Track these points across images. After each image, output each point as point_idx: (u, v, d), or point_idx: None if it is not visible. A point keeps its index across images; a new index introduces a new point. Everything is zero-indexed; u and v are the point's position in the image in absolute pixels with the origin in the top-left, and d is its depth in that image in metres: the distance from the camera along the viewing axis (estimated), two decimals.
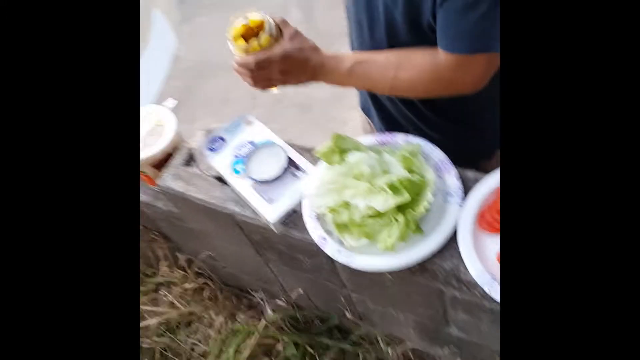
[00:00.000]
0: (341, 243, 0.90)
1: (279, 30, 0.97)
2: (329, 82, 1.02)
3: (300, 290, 1.34)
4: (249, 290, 1.59)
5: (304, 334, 1.44)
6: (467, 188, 0.91)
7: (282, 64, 0.95)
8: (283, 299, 1.45)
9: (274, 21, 0.97)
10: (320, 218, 0.95)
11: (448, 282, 0.87)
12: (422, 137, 1.00)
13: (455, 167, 0.93)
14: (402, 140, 0.99)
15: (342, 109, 2.72)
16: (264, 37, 0.94)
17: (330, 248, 0.90)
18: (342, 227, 0.91)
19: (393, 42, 0.99)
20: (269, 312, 1.46)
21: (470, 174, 0.94)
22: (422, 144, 0.96)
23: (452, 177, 0.92)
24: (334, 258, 0.89)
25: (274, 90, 1.04)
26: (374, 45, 1.04)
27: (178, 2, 4.06)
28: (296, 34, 0.97)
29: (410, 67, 0.94)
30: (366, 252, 0.89)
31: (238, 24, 0.97)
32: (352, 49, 1.16)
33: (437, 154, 0.95)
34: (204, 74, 3.27)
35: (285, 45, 0.95)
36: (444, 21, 0.86)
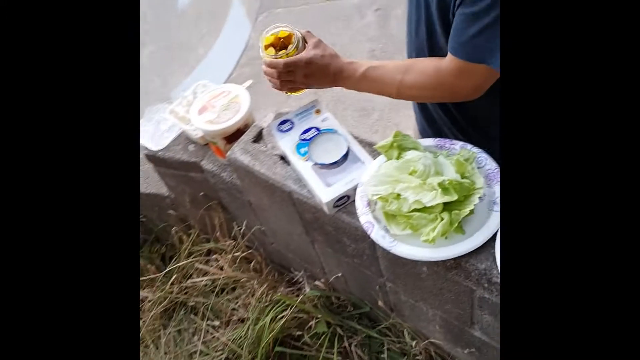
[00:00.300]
0: (386, 230, 0.99)
1: (305, 42, 1.10)
2: (346, 87, 1.11)
3: (339, 274, 1.43)
4: (291, 269, 1.69)
5: (336, 316, 1.53)
6: None
7: (306, 68, 1.06)
8: (322, 280, 1.54)
9: (301, 34, 1.10)
10: (370, 205, 1.03)
11: (479, 282, 0.94)
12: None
13: None
14: (460, 147, 1.06)
15: (400, 115, 2.79)
16: (291, 48, 1.08)
17: (376, 234, 0.99)
18: (390, 216, 0.99)
19: (431, 41, 1.06)
20: (307, 289, 1.56)
21: None
22: (478, 153, 1.03)
23: (499, 188, 0.98)
24: (378, 242, 0.98)
25: (297, 93, 1.17)
26: (417, 43, 1.12)
27: None
28: (319, 43, 1.09)
29: (416, 72, 1.02)
30: (408, 242, 0.96)
31: (269, 34, 1.12)
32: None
33: (490, 164, 1.02)
34: None
35: (309, 52, 1.07)
36: (455, 25, 0.92)
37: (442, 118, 1.21)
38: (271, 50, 1.10)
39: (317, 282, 1.57)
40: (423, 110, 1.28)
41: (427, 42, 1.08)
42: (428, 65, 1.01)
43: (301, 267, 1.62)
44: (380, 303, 1.35)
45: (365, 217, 1.02)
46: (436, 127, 1.26)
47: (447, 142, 1.07)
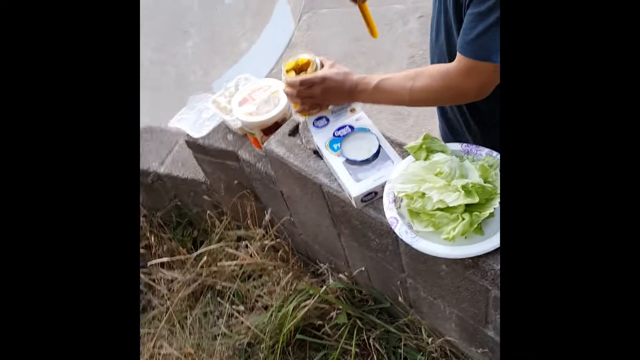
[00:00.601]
0: (410, 227, 1.04)
1: (322, 66, 1.20)
2: (363, 100, 1.18)
3: (362, 268, 1.48)
4: (317, 261, 1.75)
5: (357, 309, 1.58)
6: None
7: (322, 83, 1.15)
8: (345, 273, 1.60)
9: (319, 60, 1.21)
10: (396, 202, 1.08)
11: (495, 282, 0.98)
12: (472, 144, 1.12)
13: None
14: (486, 153, 1.10)
15: (434, 122, 2.82)
16: (310, 71, 1.19)
17: (399, 229, 1.04)
18: (414, 213, 1.04)
19: (450, 47, 1.11)
20: (331, 281, 1.62)
21: None
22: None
23: None
24: (401, 237, 1.03)
25: (313, 116, 1.26)
26: (437, 49, 1.17)
27: None
28: (334, 64, 1.18)
29: (425, 76, 1.06)
30: (429, 239, 1.01)
31: (290, 61, 1.24)
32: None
33: None
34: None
35: (324, 70, 1.16)
36: (464, 25, 0.96)
37: (459, 123, 1.26)
38: (292, 73, 1.22)
39: (340, 275, 1.63)
40: (443, 115, 1.33)
41: (446, 48, 1.13)
42: (436, 69, 1.06)
43: (326, 259, 1.68)
44: (400, 299, 1.40)
45: (390, 213, 1.07)
46: (455, 132, 1.30)
47: (473, 148, 1.12)
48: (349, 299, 1.60)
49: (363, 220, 1.22)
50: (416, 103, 1.13)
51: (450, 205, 0.98)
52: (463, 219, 0.98)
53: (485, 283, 1.01)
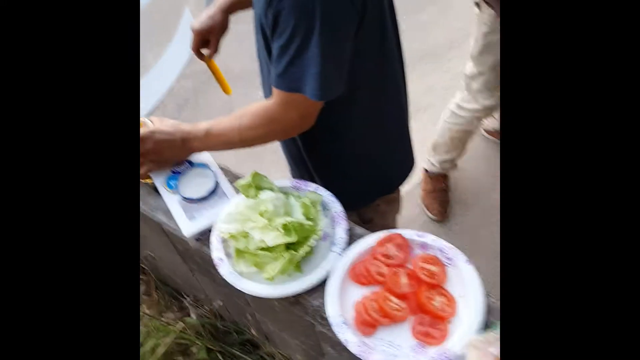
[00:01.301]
0: (235, 266, 1.04)
1: None
2: (199, 149, 1.18)
3: (219, 301, 1.47)
4: (182, 293, 1.72)
5: (218, 342, 1.56)
6: (352, 241, 1.04)
7: (151, 139, 1.12)
8: (206, 307, 1.58)
9: (150, 119, 1.20)
10: (225, 241, 1.08)
11: (315, 317, 1.00)
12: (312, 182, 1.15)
13: (347, 221, 1.07)
14: (312, 189, 1.12)
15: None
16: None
17: (224, 269, 1.04)
18: (240, 253, 1.04)
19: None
20: (193, 316, 1.59)
21: (359, 230, 1.08)
22: (325, 196, 1.10)
23: (341, 230, 1.05)
24: (225, 277, 1.03)
25: (147, 181, 1.23)
26: (267, 84, 1.20)
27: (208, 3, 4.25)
28: (163, 120, 1.17)
29: (249, 115, 1.08)
30: (252, 279, 1.02)
31: None
32: None
33: (336, 207, 1.09)
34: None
35: (151, 126, 1.15)
36: (273, 58, 1.00)
37: (295, 158, 1.29)
38: None
39: (204, 308, 1.60)
40: (284, 150, 1.35)
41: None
42: (258, 106, 1.08)
43: (190, 292, 1.65)
44: (253, 331, 1.40)
45: (217, 253, 1.07)
46: (296, 167, 1.33)
47: (302, 184, 1.14)
48: (212, 332, 1.58)
49: (202, 258, 1.20)
50: (247, 142, 1.13)
51: (270, 245, 0.99)
52: (283, 257, 0.99)
53: (309, 319, 1.02)
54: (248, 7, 1.31)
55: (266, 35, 1.02)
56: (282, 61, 0.97)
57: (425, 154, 2.30)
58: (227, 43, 3.52)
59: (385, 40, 1.12)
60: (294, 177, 1.41)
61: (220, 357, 1.54)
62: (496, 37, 1.76)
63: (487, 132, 2.52)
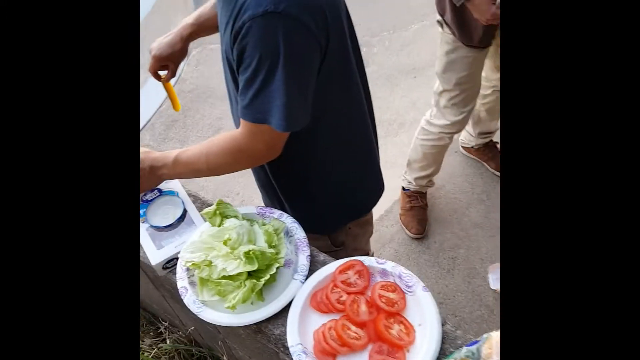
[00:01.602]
0: (198, 296, 1.05)
1: None
2: (167, 176, 1.19)
3: (192, 327, 1.47)
4: (160, 318, 1.72)
5: None
6: (315, 267, 1.06)
7: None
8: (182, 332, 1.58)
9: None
10: (189, 270, 1.09)
11: (278, 346, 1.01)
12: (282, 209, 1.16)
13: (310, 248, 1.08)
14: (276, 216, 1.14)
15: None
16: None
17: (188, 299, 1.05)
18: (204, 281, 1.05)
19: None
20: (168, 341, 1.59)
21: (322, 256, 1.09)
22: (288, 224, 1.12)
23: (304, 257, 1.06)
24: (189, 307, 1.04)
25: None
26: (235, 114, 1.21)
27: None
28: None
29: (217, 144, 1.10)
30: (215, 307, 1.03)
31: None
32: None
33: (299, 234, 1.11)
34: (202, 98, 3.43)
35: None
36: (239, 90, 1.02)
37: (265, 184, 1.31)
38: None
39: (180, 332, 1.61)
40: (255, 177, 1.37)
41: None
42: (226, 135, 1.09)
43: (166, 317, 1.66)
44: (225, 357, 1.41)
45: (181, 282, 1.08)
46: (266, 193, 1.35)
47: (267, 211, 1.16)
48: (185, 358, 1.58)
49: (172, 285, 1.21)
50: (214, 170, 1.14)
51: (231, 273, 1.00)
52: (245, 285, 1.01)
53: (272, 347, 1.03)
54: (210, 33, 1.34)
55: (233, 68, 1.04)
56: (248, 93, 0.99)
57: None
58: (215, 62, 3.52)
59: (348, 68, 1.14)
60: (265, 203, 1.43)
61: None
62: (457, 55, 1.80)
63: (465, 149, 2.55)
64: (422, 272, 2.19)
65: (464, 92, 1.92)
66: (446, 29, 1.77)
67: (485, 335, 0.85)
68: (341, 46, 1.10)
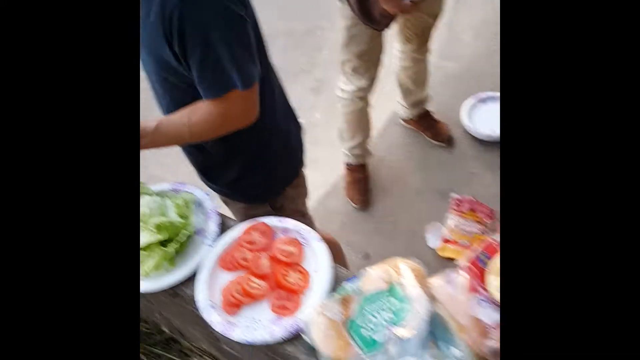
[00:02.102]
0: None
1: None
2: (147, 146, 1.19)
3: None
4: None
5: (146, 345, 1.65)
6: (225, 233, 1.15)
7: None
8: None
9: None
10: None
11: (193, 306, 1.10)
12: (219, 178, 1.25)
13: (220, 216, 1.17)
14: (187, 190, 1.23)
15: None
16: None
17: None
18: None
19: (172, 95, 1.22)
20: None
21: (232, 222, 1.18)
22: (197, 194, 1.21)
23: (213, 224, 1.16)
24: None
25: None
26: (164, 101, 1.28)
27: None
28: None
29: (198, 112, 1.15)
30: None
31: None
32: None
33: (208, 204, 1.20)
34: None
35: None
36: (196, 76, 1.09)
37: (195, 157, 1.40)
38: None
39: None
40: (190, 160, 1.45)
41: (169, 97, 1.24)
42: (204, 104, 1.14)
43: None
44: (164, 328, 1.49)
45: None
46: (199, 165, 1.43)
47: (180, 186, 1.24)
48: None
49: None
50: (196, 136, 1.20)
51: (144, 244, 1.09)
52: (157, 254, 1.10)
53: (190, 308, 1.12)
54: None
55: (161, 57, 1.10)
56: (205, 74, 1.07)
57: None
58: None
59: (262, 41, 1.22)
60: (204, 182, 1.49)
61: (145, 359, 1.62)
62: (357, 30, 1.86)
63: (404, 121, 2.65)
64: (368, 239, 2.30)
65: (365, 62, 2.00)
66: (345, 4, 1.82)
67: (362, 271, 0.95)
68: (256, 22, 1.18)
